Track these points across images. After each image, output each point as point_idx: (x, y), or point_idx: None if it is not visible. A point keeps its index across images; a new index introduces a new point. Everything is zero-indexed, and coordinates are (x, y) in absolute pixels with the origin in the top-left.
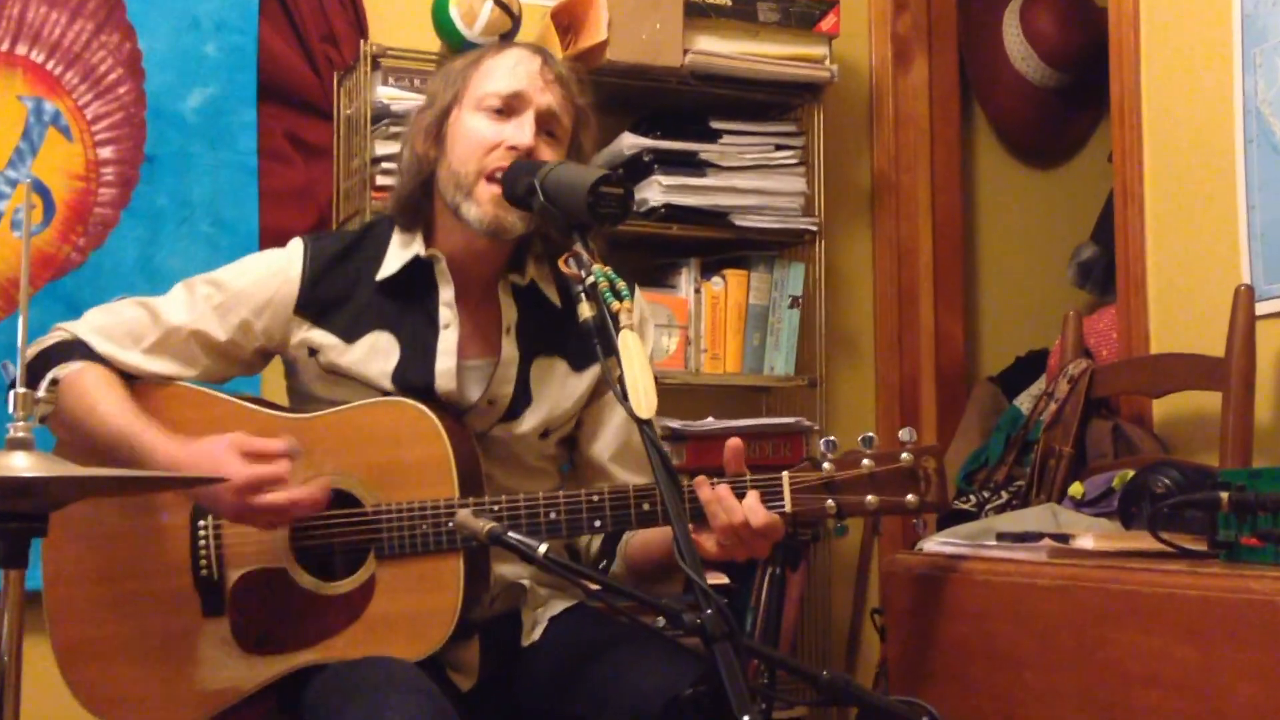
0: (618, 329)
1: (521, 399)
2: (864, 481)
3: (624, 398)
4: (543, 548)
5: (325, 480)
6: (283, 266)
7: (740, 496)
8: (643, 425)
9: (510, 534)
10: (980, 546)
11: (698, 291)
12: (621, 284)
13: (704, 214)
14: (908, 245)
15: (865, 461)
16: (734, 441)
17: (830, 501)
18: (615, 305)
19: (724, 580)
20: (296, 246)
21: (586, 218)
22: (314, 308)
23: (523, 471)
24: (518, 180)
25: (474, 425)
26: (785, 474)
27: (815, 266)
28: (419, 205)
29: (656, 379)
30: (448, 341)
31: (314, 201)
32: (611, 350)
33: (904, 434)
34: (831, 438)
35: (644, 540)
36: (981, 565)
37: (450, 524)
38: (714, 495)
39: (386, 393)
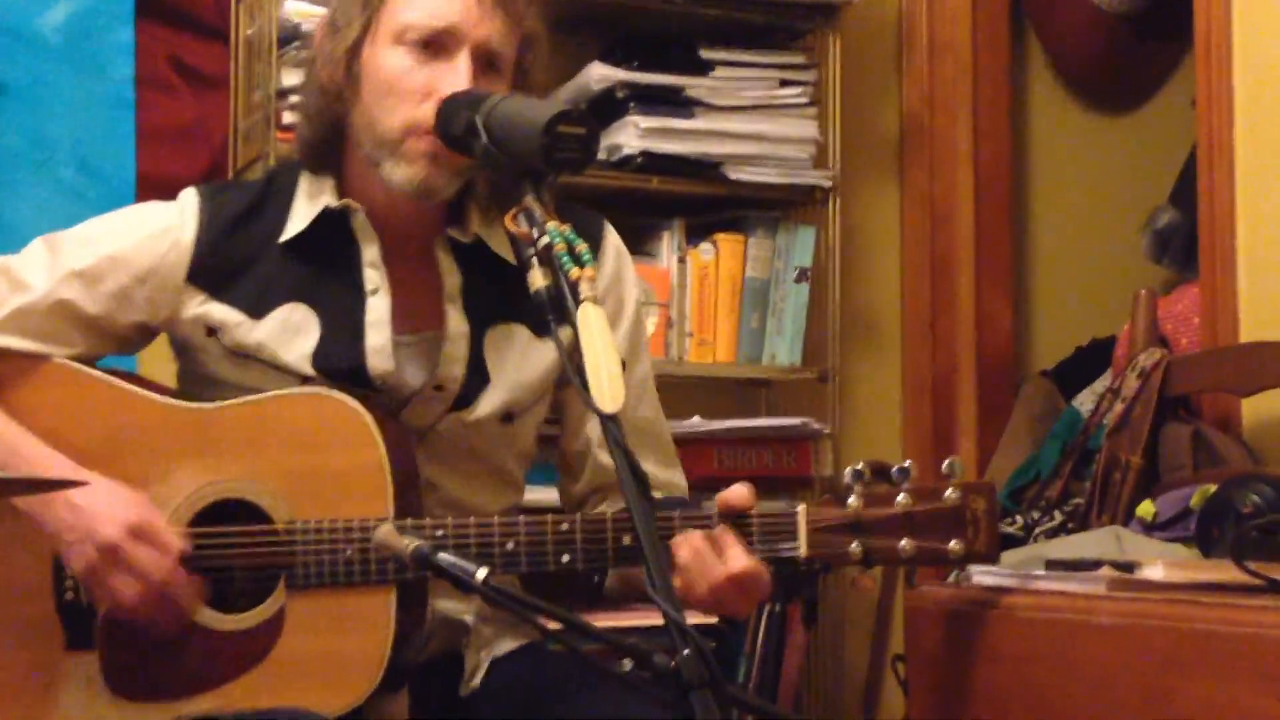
0: (577, 301)
1: (475, 379)
2: (898, 522)
3: (584, 386)
4: (481, 572)
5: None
6: (172, 225)
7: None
8: (606, 421)
9: (442, 554)
10: (1026, 577)
11: (682, 261)
12: (583, 246)
13: (690, 164)
14: (944, 206)
15: (900, 498)
16: (739, 492)
17: (856, 545)
18: (575, 273)
19: (712, 619)
20: (190, 200)
21: (540, 164)
22: (211, 277)
23: (481, 476)
24: (455, 116)
25: (419, 419)
26: (802, 509)
27: (828, 231)
28: (329, 148)
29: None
30: (377, 310)
31: (205, 143)
32: (569, 327)
33: (949, 465)
34: (859, 466)
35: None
36: (1027, 600)
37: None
38: (688, 545)
39: (307, 379)
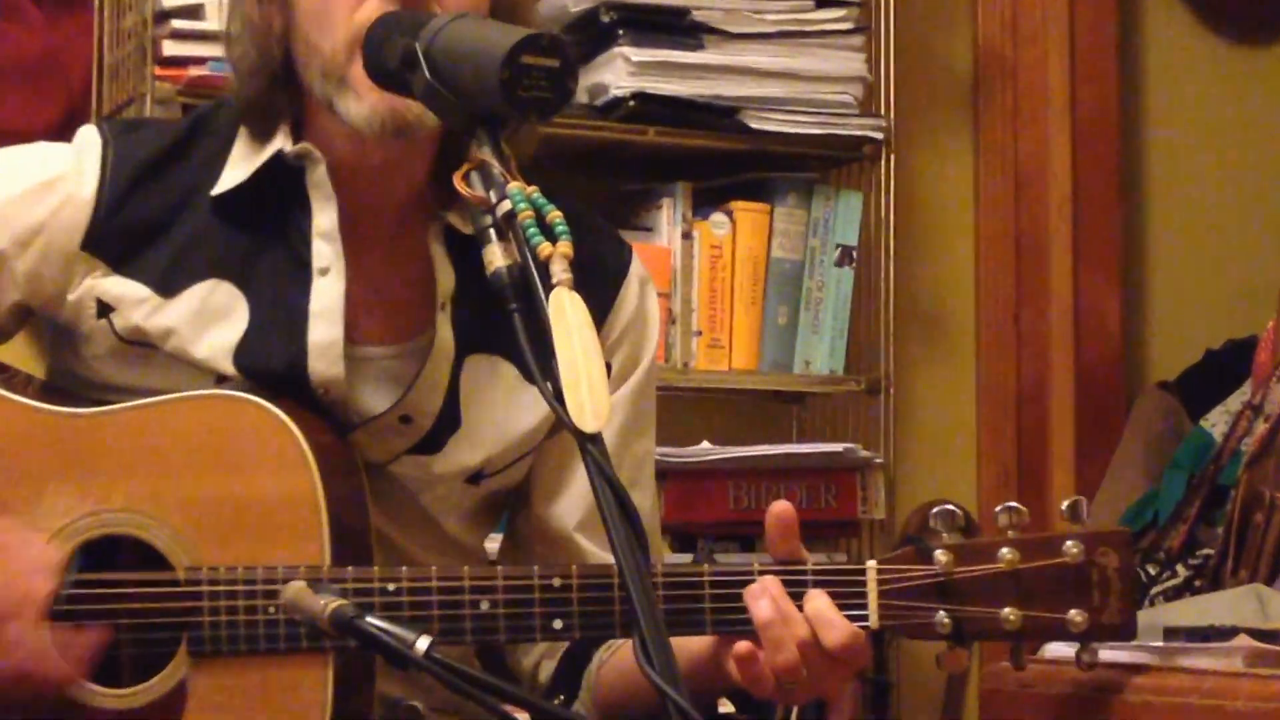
0: (547, 287)
1: (448, 418)
2: (1001, 584)
3: (556, 398)
4: (422, 642)
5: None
6: (65, 174)
7: (797, 595)
8: (585, 444)
9: (371, 619)
10: (1141, 649)
11: (687, 237)
12: (555, 214)
13: (698, 110)
14: (1032, 166)
15: (1004, 553)
16: (782, 506)
17: (943, 615)
18: (545, 249)
19: (729, 709)
20: (90, 141)
21: (499, 105)
22: (114, 243)
23: (433, 536)
24: (387, 43)
25: (369, 451)
26: (872, 565)
27: (880, 198)
28: (275, 105)
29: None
30: (326, 296)
31: (59, 82)
32: (536, 319)
33: (1070, 508)
34: (950, 505)
35: (627, 667)
36: (1142, 680)
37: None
38: (768, 603)
39: (224, 380)
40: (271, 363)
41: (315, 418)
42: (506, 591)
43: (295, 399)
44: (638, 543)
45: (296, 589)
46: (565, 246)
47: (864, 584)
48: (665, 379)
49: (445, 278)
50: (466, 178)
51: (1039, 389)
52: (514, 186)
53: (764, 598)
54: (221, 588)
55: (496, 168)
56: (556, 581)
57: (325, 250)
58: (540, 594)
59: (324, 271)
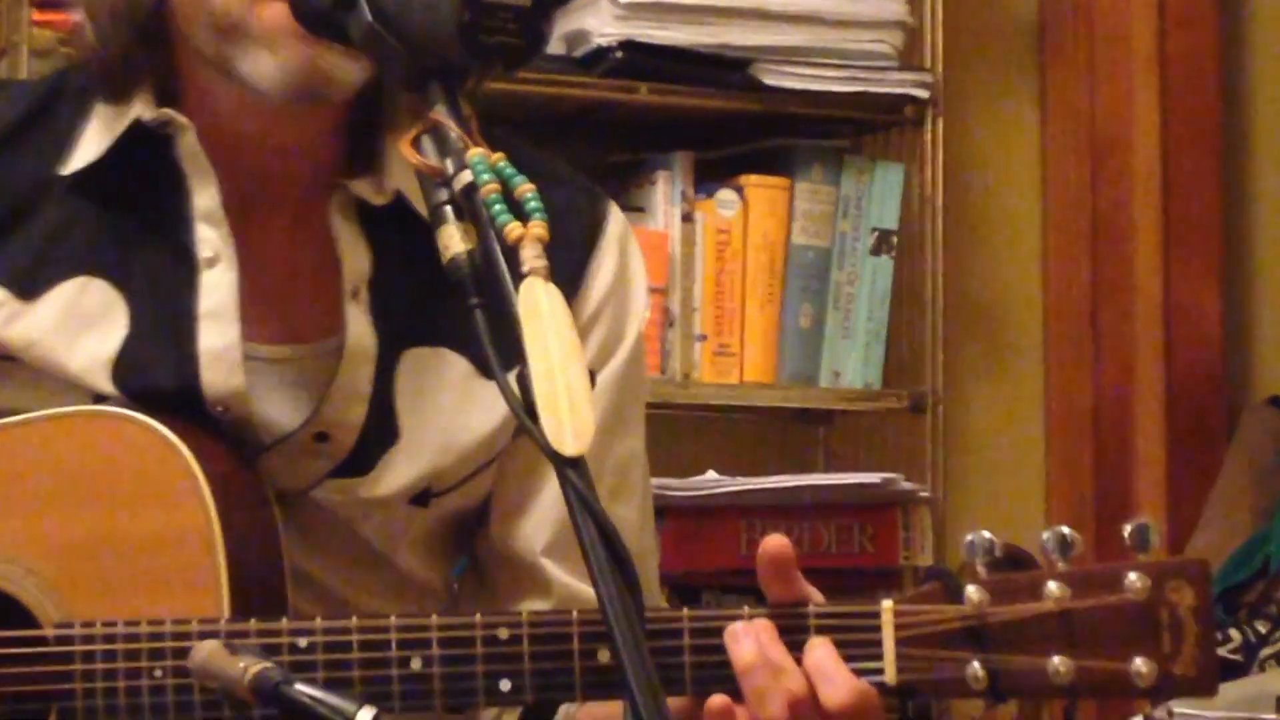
0: (517, 277)
1: (379, 430)
2: (1048, 628)
3: (527, 413)
4: (365, 715)
5: None
6: None
7: (797, 644)
8: (564, 469)
9: (301, 686)
10: None
11: (687, 219)
12: (526, 187)
13: (700, 63)
14: (1111, 132)
15: (1052, 588)
16: (775, 542)
17: (976, 666)
18: (514, 230)
19: None
20: None
21: (456, 54)
22: None
23: (380, 576)
24: None
25: (285, 478)
26: (887, 606)
27: (925, 172)
28: (134, 64)
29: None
30: (217, 293)
31: None
32: (504, 318)
33: (1134, 533)
34: (984, 535)
35: None
36: None
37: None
38: (751, 645)
39: (101, 400)
40: (157, 378)
41: (212, 439)
42: (442, 645)
43: (189, 420)
44: (629, 591)
45: (210, 649)
46: (539, 228)
47: (878, 629)
48: (662, 394)
49: (355, 260)
50: (416, 144)
51: (1121, 406)
52: (475, 154)
53: (747, 638)
54: (98, 648)
55: (453, 131)
56: (503, 633)
57: (210, 236)
58: (483, 648)
59: (211, 262)
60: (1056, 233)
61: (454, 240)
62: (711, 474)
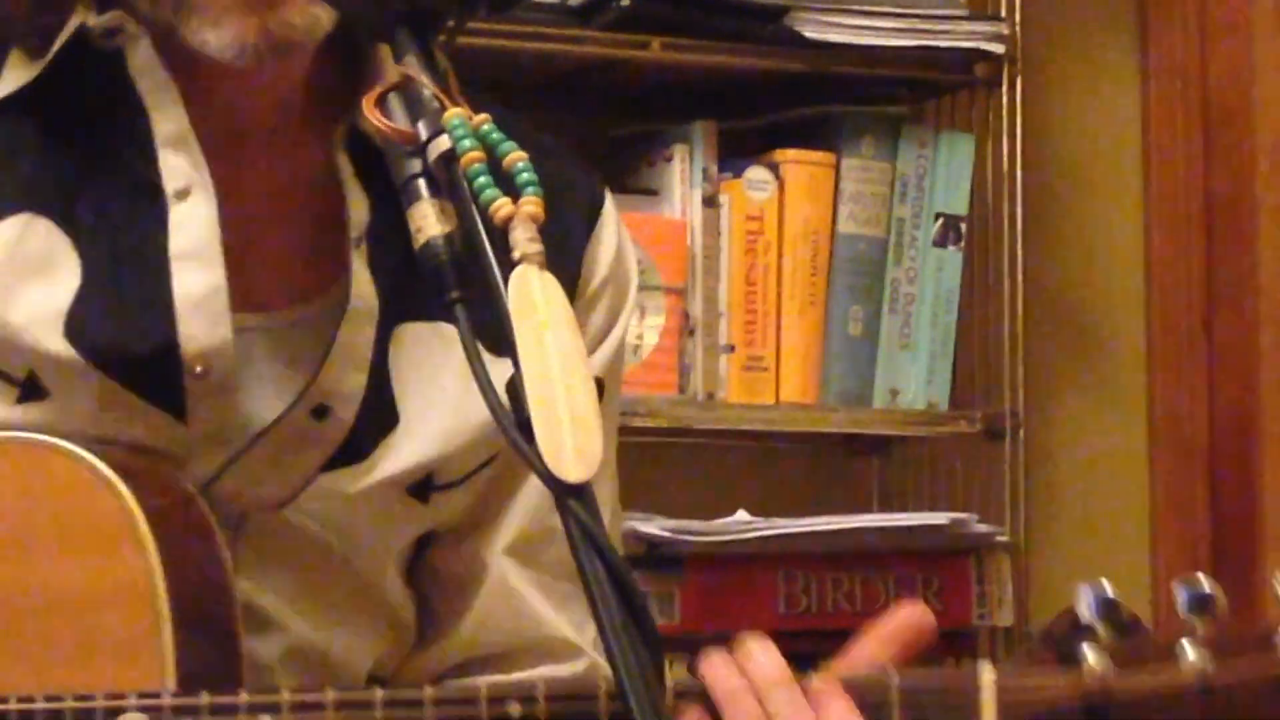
0: (506, 266)
1: (377, 411)
2: (1185, 703)
3: (519, 430)
4: None
5: None
6: None
7: None
8: (564, 499)
9: None
10: None
11: (711, 204)
12: (516, 155)
13: (727, 12)
14: (1228, 97)
15: (1190, 653)
16: (914, 613)
17: None
18: (501, 207)
19: None
20: None
21: None
22: None
23: (360, 611)
24: None
25: (262, 485)
26: (988, 676)
27: (1001, 145)
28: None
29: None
30: (193, 228)
31: None
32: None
33: None
34: (1104, 584)
35: None
36: None
37: None
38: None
39: (33, 383)
40: (122, 332)
41: (152, 470)
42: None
43: (156, 393)
44: (645, 642)
45: None
46: (532, 205)
47: (976, 703)
48: (681, 417)
49: (357, 205)
50: (381, 103)
51: (1242, 428)
52: (454, 115)
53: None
54: None
55: (427, 88)
56: (514, 709)
57: (179, 164)
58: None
59: (182, 194)
60: (1162, 219)
61: (429, 221)
62: (742, 515)
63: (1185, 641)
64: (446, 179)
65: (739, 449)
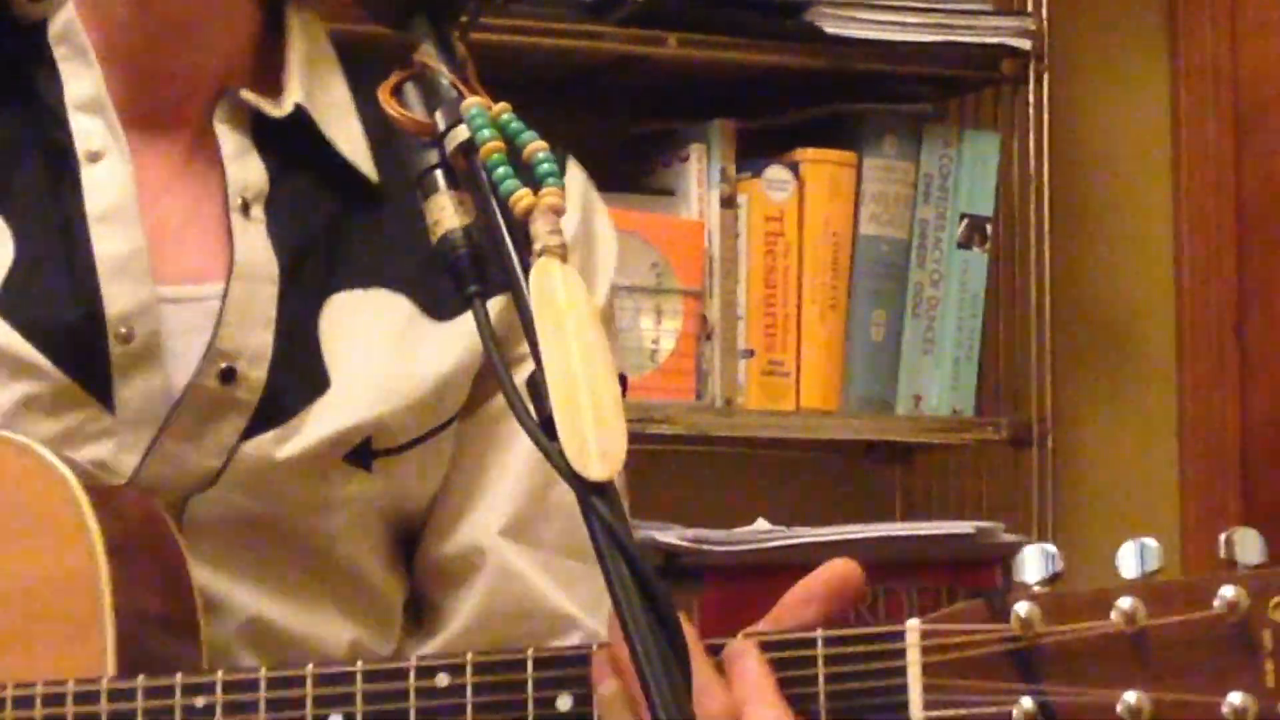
0: (527, 259)
1: (303, 378)
2: (1117, 652)
3: (539, 424)
4: None
5: None
6: None
7: (805, 680)
8: (588, 497)
9: None
10: None
11: (729, 204)
12: (537, 145)
13: (743, 7)
14: (1260, 95)
15: (1123, 604)
16: (841, 566)
17: (1027, 701)
18: (521, 198)
19: None
20: None
21: None
22: None
23: (320, 585)
24: None
25: (191, 459)
26: (913, 624)
27: (1028, 143)
28: None
29: (635, 424)
30: (108, 189)
31: None
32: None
33: (1230, 539)
34: (1047, 545)
35: None
36: None
37: None
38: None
39: None
40: (53, 305)
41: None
42: (370, 701)
43: (85, 366)
44: (673, 648)
45: None
46: (554, 195)
47: (902, 653)
48: (699, 424)
49: (243, 172)
50: (398, 93)
51: (1275, 434)
52: (473, 104)
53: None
54: None
55: (446, 77)
56: (443, 680)
57: (91, 126)
58: (419, 702)
59: (94, 156)
60: (1192, 221)
61: (446, 213)
62: (762, 523)
63: (1121, 595)
64: (465, 170)
65: (758, 457)
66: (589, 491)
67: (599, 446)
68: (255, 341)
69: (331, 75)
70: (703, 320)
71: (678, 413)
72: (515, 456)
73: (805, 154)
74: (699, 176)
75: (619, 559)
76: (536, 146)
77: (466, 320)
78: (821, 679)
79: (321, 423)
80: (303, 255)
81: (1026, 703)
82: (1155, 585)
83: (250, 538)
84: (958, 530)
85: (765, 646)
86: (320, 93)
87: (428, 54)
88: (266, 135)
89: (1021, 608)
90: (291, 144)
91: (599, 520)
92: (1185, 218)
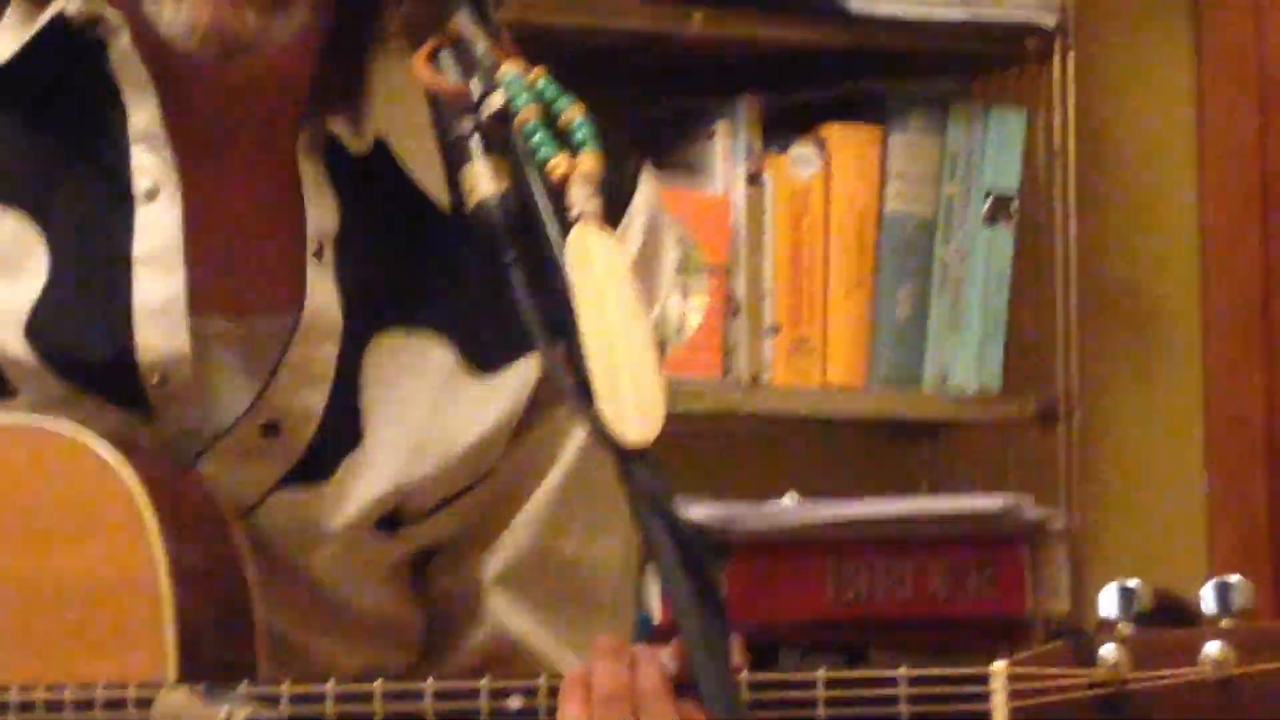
0: (565, 223)
1: (339, 428)
2: (1204, 699)
3: (579, 389)
4: None
5: None
6: None
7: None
8: (628, 465)
9: None
10: None
11: (755, 181)
12: (573, 111)
13: None
14: None
15: (1212, 650)
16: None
17: None
18: (558, 165)
19: None
20: None
21: None
22: None
23: (334, 618)
24: None
25: (230, 488)
26: (999, 667)
27: (1054, 120)
28: None
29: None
30: (157, 231)
31: None
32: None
33: None
34: (1132, 581)
35: None
36: None
37: None
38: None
39: (9, 365)
40: (81, 337)
41: (154, 448)
42: (440, 718)
43: (117, 397)
44: (715, 615)
45: (182, 699)
46: (590, 160)
47: (986, 697)
48: (725, 401)
49: (322, 212)
50: (434, 59)
51: None
52: (509, 71)
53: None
54: (12, 717)
55: (481, 43)
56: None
57: (149, 162)
58: (489, 717)
59: (150, 194)
60: (1216, 198)
61: (483, 180)
62: (790, 499)
63: (1209, 640)
64: (501, 137)
65: (785, 433)
66: (627, 455)
67: (637, 410)
68: (307, 401)
69: (414, 95)
70: (728, 297)
71: (703, 389)
72: (528, 505)
73: (831, 131)
74: (725, 153)
75: (659, 524)
76: (573, 112)
77: (511, 375)
78: (906, 719)
79: (354, 486)
80: (365, 296)
81: None
82: (1244, 632)
83: (271, 565)
84: (985, 505)
85: (843, 684)
86: (401, 118)
87: (463, 21)
88: (343, 164)
89: (1108, 651)
90: (368, 174)
91: (637, 485)
92: (1210, 194)
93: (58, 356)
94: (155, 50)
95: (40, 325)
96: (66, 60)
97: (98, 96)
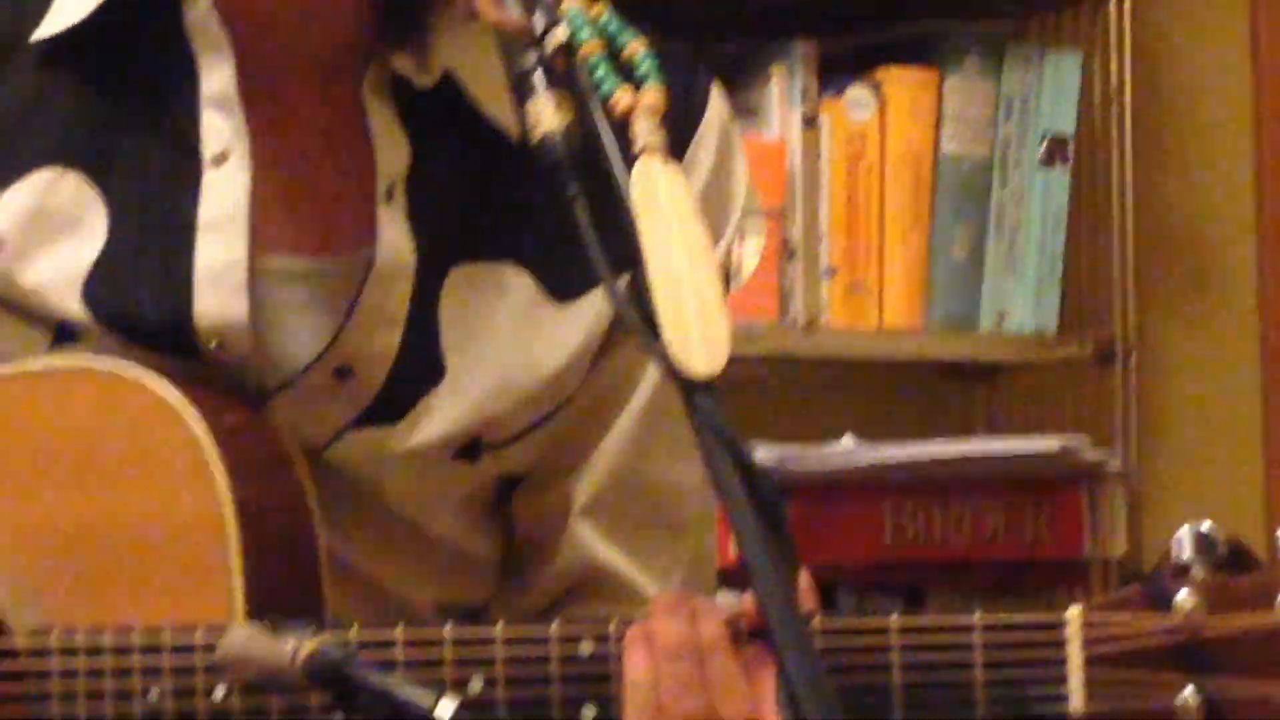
0: (629, 157)
1: (418, 367)
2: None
3: (647, 326)
4: (446, 708)
5: None
6: None
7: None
8: (693, 397)
9: (364, 669)
10: None
11: (810, 124)
12: (636, 45)
13: None
14: None
15: None
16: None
17: (1189, 694)
18: (622, 98)
19: None
20: None
21: None
22: None
23: (410, 551)
24: None
25: (300, 428)
26: (1074, 614)
27: (1110, 62)
28: None
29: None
30: (224, 196)
31: None
32: (611, 209)
33: None
34: (1204, 528)
35: None
36: None
37: (220, 680)
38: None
39: (65, 328)
40: (139, 300)
41: (218, 388)
42: (510, 663)
43: (176, 357)
44: (782, 551)
45: (248, 634)
46: (654, 94)
47: (1062, 644)
48: (781, 343)
49: (392, 152)
50: None
51: None
52: (572, 5)
53: (642, 646)
54: (80, 661)
55: None
56: (586, 649)
57: (221, 126)
58: (563, 668)
59: (219, 159)
60: (1273, 139)
61: (546, 114)
62: (847, 441)
63: None
64: (564, 71)
65: (842, 374)
66: (692, 387)
67: (704, 343)
68: (380, 344)
69: (479, 28)
70: (784, 240)
71: (760, 331)
72: (611, 433)
73: (887, 73)
74: (780, 97)
75: (725, 456)
76: (636, 46)
77: (589, 303)
78: (979, 666)
79: (433, 420)
80: (438, 234)
81: (1189, 695)
82: None
83: (343, 497)
84: (1042, 447)
85: (917, 630)
86: (467, 51)
87: None
88: (411, 102)
89: (1183, 598)
90: (437, 110)
91: (703, 416)
92: (1266, 134)
93: (115, 318)
94: (230, 9)
95: (97, 286)
96: (140, 21)
97: (168, 58)
